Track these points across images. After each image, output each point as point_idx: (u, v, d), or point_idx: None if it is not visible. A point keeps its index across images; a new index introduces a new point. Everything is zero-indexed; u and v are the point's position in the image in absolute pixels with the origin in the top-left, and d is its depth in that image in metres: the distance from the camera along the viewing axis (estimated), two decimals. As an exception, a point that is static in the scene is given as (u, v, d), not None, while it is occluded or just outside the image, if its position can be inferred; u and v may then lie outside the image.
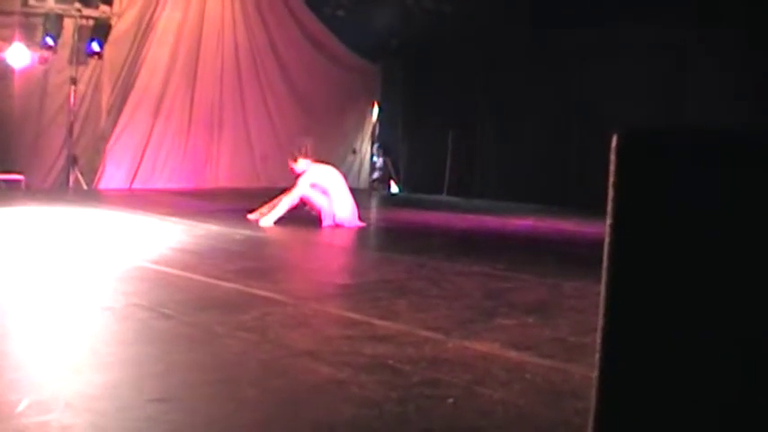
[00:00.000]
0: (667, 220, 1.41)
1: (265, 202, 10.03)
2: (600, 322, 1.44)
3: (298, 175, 9.88)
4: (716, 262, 1.39)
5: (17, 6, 12.93)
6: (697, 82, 13.17)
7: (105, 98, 14.30)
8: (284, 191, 10.06)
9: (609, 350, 1.44)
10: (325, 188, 9.81)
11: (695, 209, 1.39)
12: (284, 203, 9.71)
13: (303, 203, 9.88)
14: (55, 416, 2.83)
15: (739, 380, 1.39)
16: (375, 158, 18.70)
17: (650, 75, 13.63)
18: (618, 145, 1.43)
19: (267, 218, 9.63)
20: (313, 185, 9.81)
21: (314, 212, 9.84)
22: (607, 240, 1.44)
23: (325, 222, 9.70)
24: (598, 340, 1.44)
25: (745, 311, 1.39)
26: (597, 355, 1.44)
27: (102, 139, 14.17)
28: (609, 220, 1.44)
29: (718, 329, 1.40)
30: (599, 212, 1.51)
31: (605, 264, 1.45)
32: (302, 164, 9.91)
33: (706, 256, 1.40)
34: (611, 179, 1.43)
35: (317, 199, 9.77)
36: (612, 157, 1.43)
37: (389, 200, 16.05)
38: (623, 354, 1.44)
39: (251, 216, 9.90)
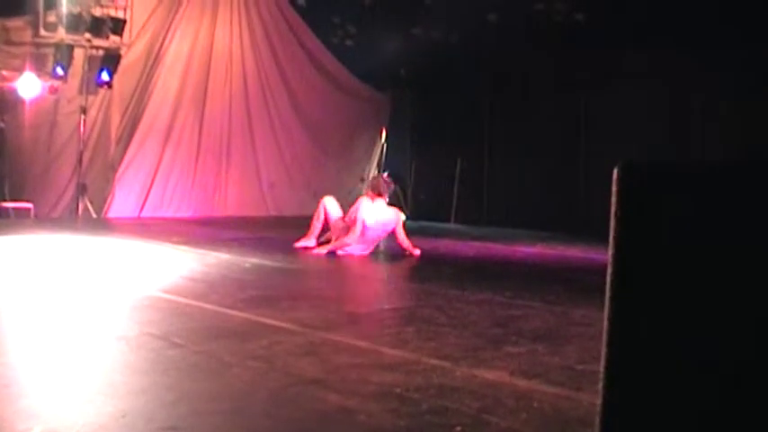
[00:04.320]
0: (668, 250, 1.44)
1: (307, 232, 10.17)
2: (603, 350, 1.47)
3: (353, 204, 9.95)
4: (716, 290, 1.42)
5: (28, 37, 13.08)
6: (703, 107, 13.21)
7: (115, 127, 14.40)
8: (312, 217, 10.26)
9: (612, 378, 1.46)
10: (367, 227, 9.73)
11: (695, 239, 1.43)
12: (351, 238, 9.72)
13: (327, 228, 10.00)
14: (67, 444, 2.85)
15: (742, 407, 1.41)
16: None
17: (657, 101, 13.68)
18: (619, 177, 1.47)
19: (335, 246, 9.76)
20: (362, 222, 9.72)
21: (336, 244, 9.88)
22: (609, 270, 1.47)
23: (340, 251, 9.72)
24: (601, 369, 1.47)
25: (747, 339, 1.41)
26: (600, 383, 1.46)
27: (112, 167, 14.26)
28: (611, 250, 1.47)
29: (721, 357, 1.43)
30: (607, 240, 1.54)
31: (608, 292, 1.48)
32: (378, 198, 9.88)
33: (706, 285, 1.43)
34: (613, 210, 1.46)
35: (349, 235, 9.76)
36: (614, 188, 1.47)
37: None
38: (626, 382, 1.46)
39: (299, 244, 10.06)
